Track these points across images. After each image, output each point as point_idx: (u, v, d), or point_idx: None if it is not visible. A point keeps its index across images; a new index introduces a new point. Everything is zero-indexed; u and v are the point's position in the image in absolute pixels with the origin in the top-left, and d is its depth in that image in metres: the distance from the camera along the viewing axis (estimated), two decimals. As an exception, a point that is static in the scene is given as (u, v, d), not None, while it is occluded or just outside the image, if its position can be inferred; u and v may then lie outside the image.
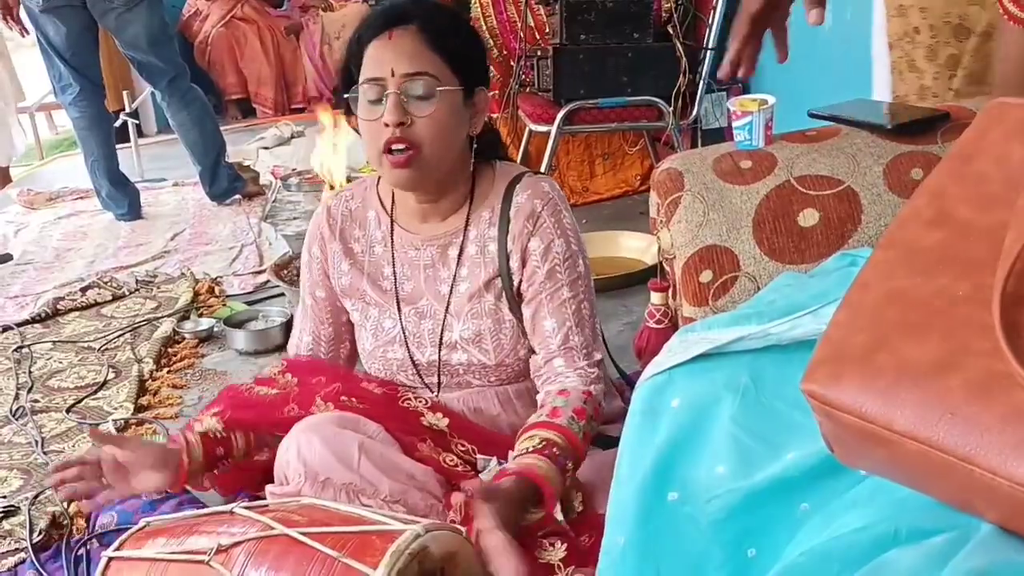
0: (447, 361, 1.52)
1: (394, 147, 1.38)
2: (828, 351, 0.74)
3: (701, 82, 3.09)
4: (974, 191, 0.73)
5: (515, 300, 1.49)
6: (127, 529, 1.62)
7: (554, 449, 1.34)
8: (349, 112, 1.48)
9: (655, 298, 1.33)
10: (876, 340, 0.71)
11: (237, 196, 4.10)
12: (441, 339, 1.50)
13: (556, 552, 1.35)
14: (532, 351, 1.51)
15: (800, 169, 1.21)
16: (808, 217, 1.16)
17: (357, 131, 1.48)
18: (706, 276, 1.18)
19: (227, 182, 4.07)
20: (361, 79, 1.40)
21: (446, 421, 1.45)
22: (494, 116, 3.45)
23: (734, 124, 1.27)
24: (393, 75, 1.37)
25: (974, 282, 0.69)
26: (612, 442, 1.53)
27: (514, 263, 1.48)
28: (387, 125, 1.37)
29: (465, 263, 1.50)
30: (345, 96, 1.44)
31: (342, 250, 1.57)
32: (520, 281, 1.48)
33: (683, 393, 1.06)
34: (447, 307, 1.50)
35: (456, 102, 1.42)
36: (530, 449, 1.34)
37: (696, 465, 1.02)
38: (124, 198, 4.01)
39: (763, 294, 1.11)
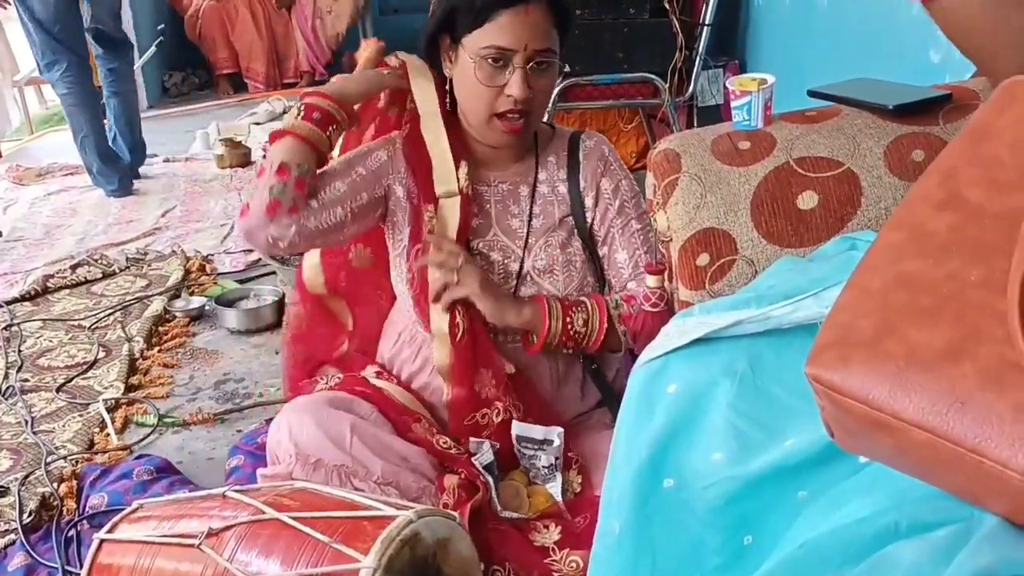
0: (515, 293, 1.53)
1: (511, 115, 1.43)
2: (834, 335, 0.72)
3: (698, 59, 3.07)
4: (987, 174, 0.71)
5: (586, 237, 1.55)
6: (117, 511, 1.62)
7: (571, 299, 1.48)
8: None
9: (651, 281, 1.32)
10: (884, 324, 0.69)
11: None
12: (521, 269, 1.51)
13: (550, 535, 1.35)
14: (595, 289, 1.55)
15: (799, 150, 1.19)
16: (807, 200, 1.14)
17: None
18: (703, 259, 1.16)
19: (143, 155, 4.22)
20: (485, 42, 1.40)
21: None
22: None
23: (732, 104, 1.25)
24: (525, 49, 1.40)
25: (987, 267, 0.67)
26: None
27: (588, 200, 1.55)
28: (509, 96, 1.41)
29: (538, 200, 1.55)
30: (453, 39, 1.44)
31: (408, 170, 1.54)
32: (593, 220, 1.55)
33: (679, 379, 1.05)
34: (526, 241, 1.53)
35: (557, 75, 1.50)
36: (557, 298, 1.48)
37: (692, 452, 1.01)
38: (115, 174, 3.99)
39: (762, 278, 1.09)
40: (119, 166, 4.02)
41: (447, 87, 1.50)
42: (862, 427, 0.71)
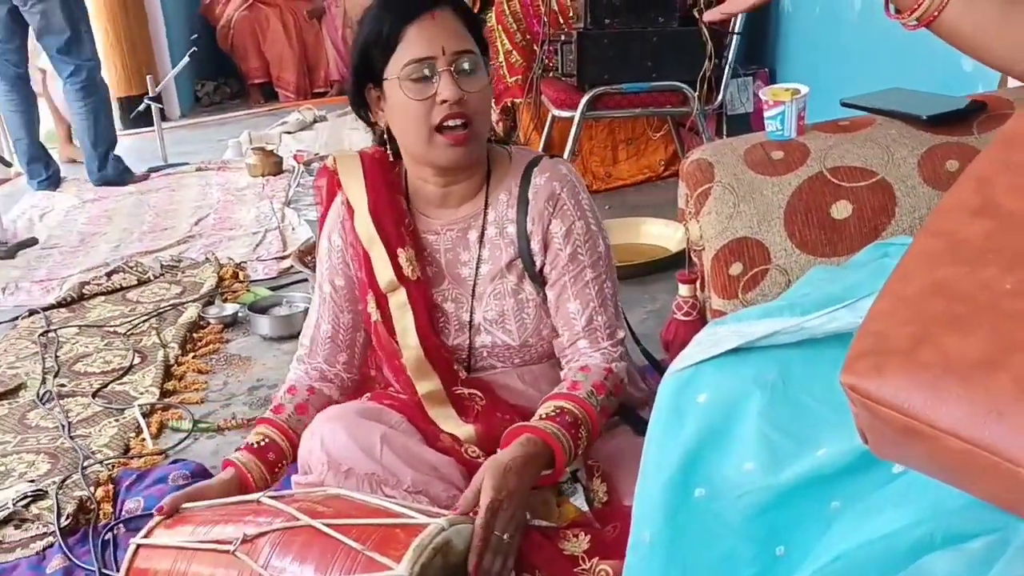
0: (471, 344, 1.52)
1: (451, 123, 1.39)
2: (869, 343, 0.71)
3: (727, 67, 3.06)
4: (1022, 181, 0.71)
5: (537, 280, 1.50)
6: (154, 515, 1.65)
7: (567, 417, 1.36)
8: (359, 104, 1.48)
9: (683, 290, 1.31)
10: (920, 333, 0.68)
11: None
12: (470, 321, 1.50)
13: (580, 543, 1.35)
14: (555, 332, 1.51)
15: (833, 160, 1.18)
16: (841, 209, 1.14)
17: (365, 121, 1.50)
18: (736, 268, 1.16)
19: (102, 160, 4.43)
20: (404, 60, 1.39)
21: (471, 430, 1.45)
22: (517, 101, 3.42)
23: (765, 114, 1.25)
24: (444, 53, 1.38)
25: (1022, 275, 0.66)
26: (644, 426, 1.52)
27: (535, 244, 1.48)
28: (443, 102, 1.37)
29: (486, 245, 1.51)
30: (375, 82, 1.44)
31: None
32: (543, 263, 1.49)
33: (710, 388, 1.04)
34: (473, 290, 1.50)
35: (488, 79, 1.45)
36: (543, 416, 1.36)
37: (724, 462, 1.00)
38: (43, 172, 4.36)
39: (796, 287, 1.09)
40: (47, 164, 4.41)
41: (384, 138, 1.50)
42: (897, 435, 0.71)
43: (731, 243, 1.17)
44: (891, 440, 0.72)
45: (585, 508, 1.40)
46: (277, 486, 1.70)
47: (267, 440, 1.46)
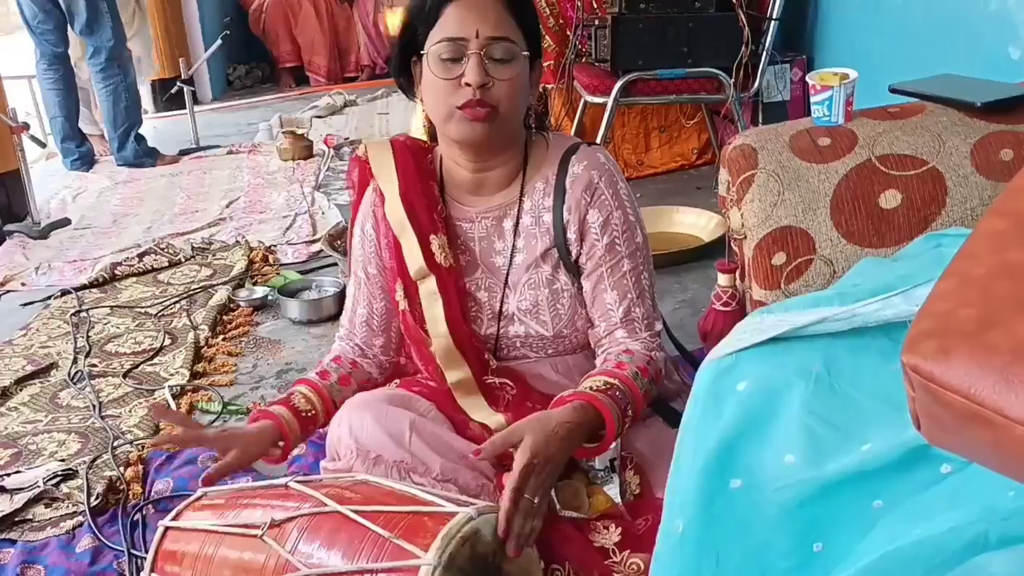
0: (504, 333, 1.50)
1: (470, 105, 1.37)
2: (933, 323, 0.68)
3: (764, 53, 3.00)
4: None
5: (572, 270, 1.47)
6: (183, 495, 1.65)
7: (616, 392, 1.33)
8: (402, 74, 1.46)
9: (722, 279, 1.28)
10: (989, 315, 0.65)
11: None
12: (500, 311, 1.48)
13: (611, 536, 1.33)
14: (590, 322, 1.49)
15: (882, 148, 1.14)
16: (890, 199, 1.10)
17: (406, 93, 1.47)
18: (779, 258, 1.13)
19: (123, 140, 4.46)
20: (438, 38, 1.37)
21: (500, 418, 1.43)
22: (549, 87, 3.39)
23: (812, 99, 1.21)
24: (477, 36, 1.35)
25: None
26: (677, 418, 1.50)
27: (571, 234, 1.46)
28: (467, 85, 1.35)
29: (521, 234, 1.48)
30: (418, 55, 1.41)
31: None
32: (579, 253, 1.46)
33: (750, 377, 1.02)
34: (505, 279, 1.48)
35: (526, 69, 1.42)
36: (593, 388, 1.33)
37: (762, 453, 0.98)
38: (76, 149, 4.40)
39: (846, 278, 1.06)
40: (80, 143, 4.46)
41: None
42: (958, 421, 0.68)
43: (774, 232, 1.14)
44: (950, 427, 0.69)
45: (618, 500, 1.38)
46: (303, 467, 1.70)
47: (310, 405, 1.46)
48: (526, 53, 1.40)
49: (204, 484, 1.32)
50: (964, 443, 0.69)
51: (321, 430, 1.50)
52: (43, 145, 4.39)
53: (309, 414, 1.45)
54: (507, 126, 1.42)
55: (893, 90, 1.26)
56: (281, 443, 1.42)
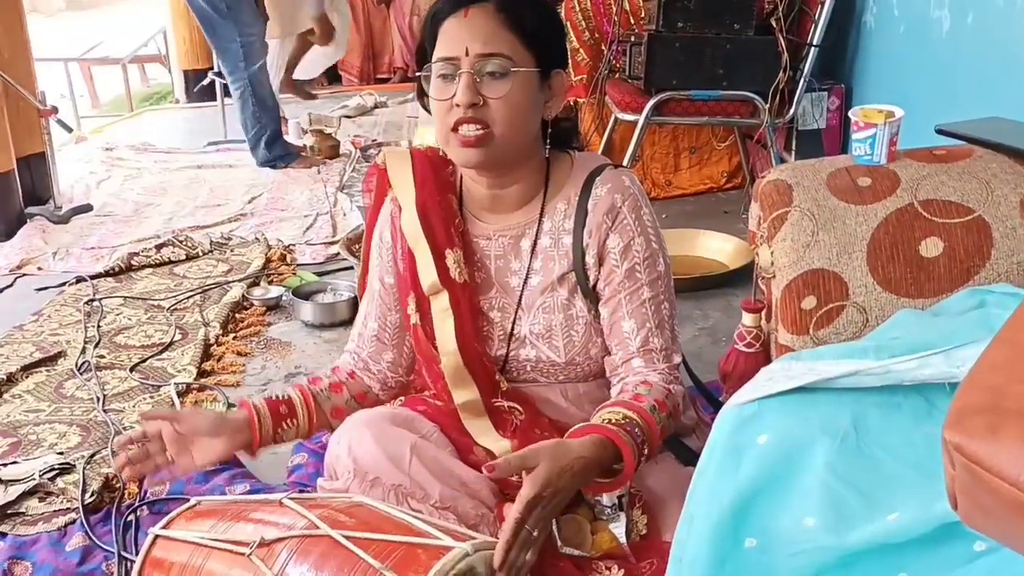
0: (514, 356, 1.45)
1: (464, 127, 1.33)
2: (982, 398, 0.62)
3: (802, 80, 2.94)
4: None
5: (590, 296, 1.42)
6: (178, 498, 1.62)
7: (635, 428, 1.27)
8: (421, 92, 1.42)
9: (747, 319, 1.22)
10: None
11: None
12: (511, 333, 1.43)
13: (613, 576, 1.28)
14: (604, 350, 1.44)
15: (926, 192, 1.09)
16: (931, 247, 1.04)
17: (427, 110, 1.43)
18: (809, 302, 1.07)
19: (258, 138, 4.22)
20: (434, 57, 1.35)
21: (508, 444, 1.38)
22: (580, 101, 3.34)
23: (853, 136, 1.15)
24: (467, 54, 1.31)
25: None
26: (691, 455, 1.44)
27: (590, 259, 1.41)
28: (458, 105, 1.32)
29: (539, 255, 1.44)
30: (417, 75, 1.39)
31: None
32: (596, 279, 1.42)
33: (772, 429, 0.96)
34: (519, 300, 1.43)
35: (531, 84, 1.36)
36: (611, 421, 1.27)
37: (781, 512, 0.93)
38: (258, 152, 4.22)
39: (883, 329, 1.00)
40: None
41: None
42: (1003, 508, 0.62)
43: (805, 274, 1.08)
44: (994, 514, 0.63)
45: (623, 539, 1.32)
46: (303, 476, 1.66)
47: (285, 397, 1.48)
48: (527, 69, 1.34)
49: (143, 417, 1.40)
50: (1008, 532, 0.63)
51: (319, 437, 1.47)
52: (70, 130, 4.39)
53: (283, 401, 1.47)
54: (508, 146, 1.36)
55: (940, 131, 1.20)
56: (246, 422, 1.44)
